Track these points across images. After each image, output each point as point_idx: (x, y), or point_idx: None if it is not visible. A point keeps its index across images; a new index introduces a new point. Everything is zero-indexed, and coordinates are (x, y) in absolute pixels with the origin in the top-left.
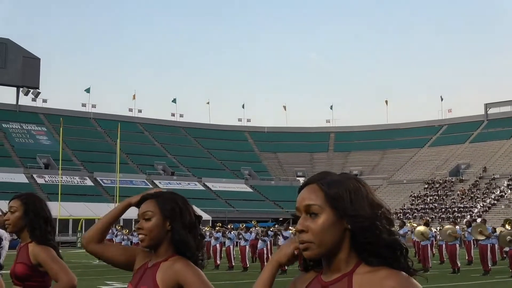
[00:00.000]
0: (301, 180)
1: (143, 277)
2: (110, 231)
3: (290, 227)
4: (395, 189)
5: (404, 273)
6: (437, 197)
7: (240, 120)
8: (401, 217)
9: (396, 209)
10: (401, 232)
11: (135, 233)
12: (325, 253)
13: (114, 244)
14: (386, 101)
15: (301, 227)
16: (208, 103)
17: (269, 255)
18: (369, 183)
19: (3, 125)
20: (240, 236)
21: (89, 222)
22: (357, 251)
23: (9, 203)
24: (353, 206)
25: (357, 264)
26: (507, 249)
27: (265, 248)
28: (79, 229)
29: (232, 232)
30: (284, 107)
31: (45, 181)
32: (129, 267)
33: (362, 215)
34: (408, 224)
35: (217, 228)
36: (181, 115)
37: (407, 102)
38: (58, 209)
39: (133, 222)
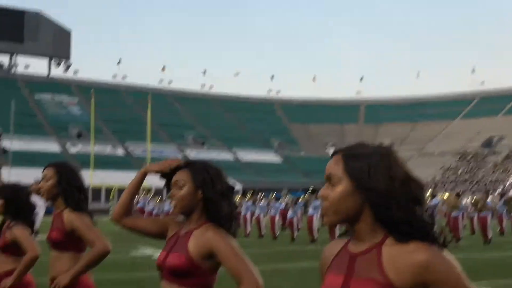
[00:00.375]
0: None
1: (175, 244)
2: (142, 199)
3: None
4: (426, 161)
5: (434, 246)
6: (468, 170)
7: (269, 91)
8: (432, 189)
9: (427, 181)
10: (432, 203)
11: (166, 202)
12: (342, 221)
13: (144, 217)
14: (418, 73)
15: (321, 194)
16: (237, 74)
17: (299, 225)
18: (400, 155)
19: (35, 96)
20: (270, 206)
21: (122, 191)
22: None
23: (43, 171)
24: (370, 180)
25: (386, 236)
26: None
27: (295, 218)
28: (111, 197)
29: (262, 202)
30: (314, 78)
31: (78, 151)
32: (161, 237)
33: (377, 190)
34: (439, 196)
35: (247, 197)
36: (211, 86)
37: (439, 74)
38: (90, 178)
39: (164, 191)
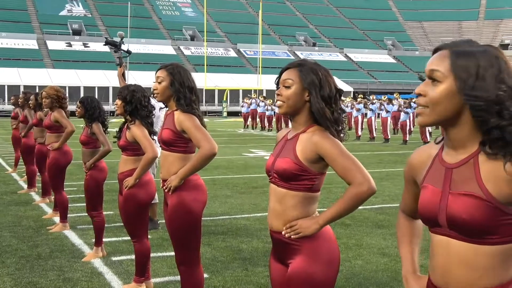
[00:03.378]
0: None
1: (283, 148)
2: (254, 101)
3: None
4: None
5: None
6: None
7: None
8: None
9: None
10: None
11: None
12: (439, 122)
13: (255, 119)
14: None
15: (419, 91)
16: None
17: (411, 127)
18: None
19: None
20: (382, 108)
21: (234, 92)
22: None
23: (155, 73)
24: (476, 82)
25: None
26: None
27: (407, 120)
28: (224, 99)
29: (374, 104)
30: None
31: (191, 53)
32: None
33: (480, 95)
34: None
35: (358, 99)
36: None
37: None
38: (204, 79)
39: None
